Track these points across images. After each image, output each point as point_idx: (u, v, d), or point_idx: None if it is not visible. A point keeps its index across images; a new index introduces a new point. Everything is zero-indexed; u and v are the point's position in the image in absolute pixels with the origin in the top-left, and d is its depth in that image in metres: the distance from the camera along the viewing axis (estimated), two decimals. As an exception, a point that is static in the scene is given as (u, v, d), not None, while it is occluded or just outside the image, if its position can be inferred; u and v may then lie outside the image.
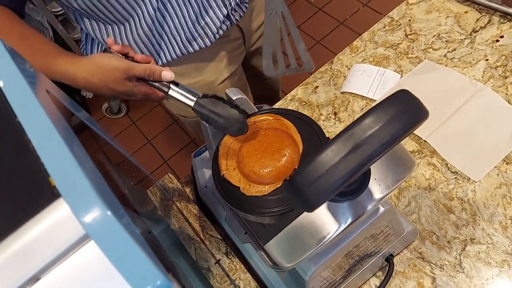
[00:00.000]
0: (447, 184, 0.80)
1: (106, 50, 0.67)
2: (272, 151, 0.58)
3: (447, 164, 0.82)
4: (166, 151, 2.14)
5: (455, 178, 0.80)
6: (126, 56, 0.66)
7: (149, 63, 0.67)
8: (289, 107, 1.00)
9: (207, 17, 0.86)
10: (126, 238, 0.22)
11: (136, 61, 0.66)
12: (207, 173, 0.85)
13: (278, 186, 0.54)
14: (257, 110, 0.77)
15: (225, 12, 0.88)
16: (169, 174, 0.90)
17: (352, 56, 1.03)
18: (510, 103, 0.85)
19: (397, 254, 0.75)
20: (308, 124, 0.64)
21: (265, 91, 1.29)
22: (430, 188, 0.80)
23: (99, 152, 2.18)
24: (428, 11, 1.04)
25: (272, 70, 0.75)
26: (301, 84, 1.03)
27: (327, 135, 0.61)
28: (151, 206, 0.87)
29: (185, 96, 0.64)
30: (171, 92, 0.65)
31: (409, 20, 1.04)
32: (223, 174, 0.61)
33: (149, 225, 0.82)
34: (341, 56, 1.04)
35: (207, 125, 0.75)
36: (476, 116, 0.85)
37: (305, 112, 0.97)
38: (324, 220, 0.42)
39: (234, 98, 0.75)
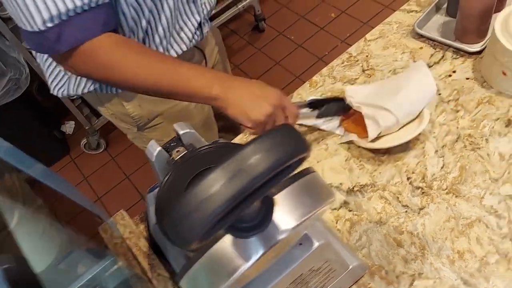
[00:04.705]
0: (398, 217, 0.79)
1: None
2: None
3: (398, 197, 0.81)
4: (144, 186, 2.12)
5: (406, 211, 0.79)
6: None
7: None
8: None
9: (181, 21, 0.89)
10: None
11: None
12: (159, 209, 0.84)
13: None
14: (207, 144, 0.77)
15: (198, 19, 0.91)
16: (121, 211, 0.89)
17: (311, 90, 1.04)
18: (460, 136, 0.86)
19: (347, 291, 0.73)
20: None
21: (222, 119, 1.30)
22: (381, 222, 0.79)
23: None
24: (385, 47, 1.07)
25: None
26: (261, 119, 1.04)
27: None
28: (101, 245, 0.85)
29: (310, 113, 0.87)
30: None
31: (367, 56, 1.06)
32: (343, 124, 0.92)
33: (96, 263, 0.80)
34: (301, 91, 1.05)
35: (153, 159, 0.75)
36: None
37: (263, 147, 0.98)
38: (231, 257, 0.41)
39: (181, 132, 0.75)
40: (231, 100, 0.73)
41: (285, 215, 0.41)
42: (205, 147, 0.72)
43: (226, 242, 0.40)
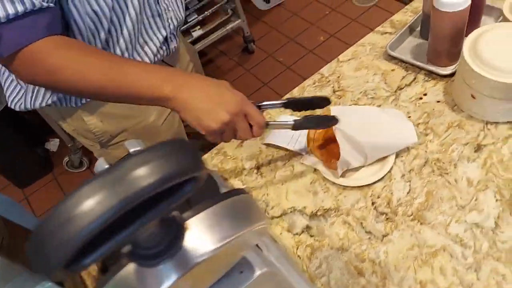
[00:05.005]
0: (360, 244, 0.75)
1: None
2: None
3: (362, 223, 0.78)
4: (125, 206, 2.09)
5: (369, 238, 0.76)
6: None
7: None
8: (214, 161, 0.97)
9: (145, 35, 0.87)
10: None
11: None
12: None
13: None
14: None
15: (164, 33, 0.89)
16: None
17: (281, 110, 1.02)
18: (428, 160, 0.83)
19: (303, 322, 0.69)
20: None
21: (196, 138, 1.27)
22: (343, 249, 0.75)
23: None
24: (357, 68, 1.05)
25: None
26: (230, 139, 1.01)
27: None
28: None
29: (283, 123, 0.78)
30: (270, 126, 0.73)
31: (338, 77, 1.04)
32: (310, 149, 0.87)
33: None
34: (270, 111, 1.03)
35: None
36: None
37: (228, 166, 0.94)
38: (137, 287, 0.37)
39: (131, 150, 0.72)
40: (184, 101, 0.65)
41: (201, 239, 0.38)
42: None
43: (130, 271, 0.37)
